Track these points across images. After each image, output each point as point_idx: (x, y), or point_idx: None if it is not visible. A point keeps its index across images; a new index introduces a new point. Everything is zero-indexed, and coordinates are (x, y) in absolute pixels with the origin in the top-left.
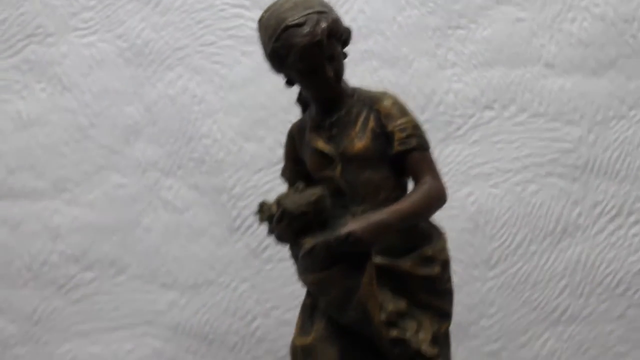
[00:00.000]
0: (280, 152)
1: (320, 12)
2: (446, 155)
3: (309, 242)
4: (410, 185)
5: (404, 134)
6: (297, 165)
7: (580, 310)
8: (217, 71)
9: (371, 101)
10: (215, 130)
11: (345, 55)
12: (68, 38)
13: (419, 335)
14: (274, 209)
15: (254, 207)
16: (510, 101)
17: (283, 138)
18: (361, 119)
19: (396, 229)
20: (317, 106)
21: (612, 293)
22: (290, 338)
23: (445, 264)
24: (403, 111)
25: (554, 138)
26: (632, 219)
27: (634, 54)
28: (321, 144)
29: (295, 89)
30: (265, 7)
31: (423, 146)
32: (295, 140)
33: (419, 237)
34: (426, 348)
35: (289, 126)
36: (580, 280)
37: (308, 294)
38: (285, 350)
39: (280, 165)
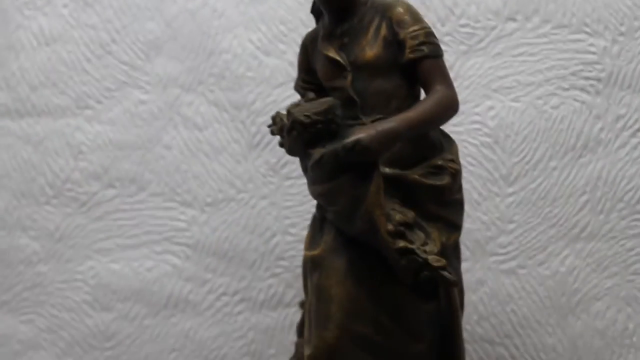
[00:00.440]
0: None
1: None
2: (467, 69)
3: (318, 152)
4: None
5: (415, 42)
6: (309, 76)
7: (601, 227)
8: None
9: (384, 9)
10: (235, 45)
11: None
12: None
13: (427, 246)
14: (285, 119)
15: None
16: (534, 12)
17: None
18: (373, 27)
19: (405, 137)
20: (330, 15)
21: (633, 209)
22: None
23: (456, 174)
24: (416, 18)
25: (577, 50)
26: None
27: None
28: (332, 53)
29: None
30: None
31: (435, 54)
32: (308, 50)
33: (429, 147)
34: (433, 259)
35: None
36: (601, 196)
37: (318, 207)
38: None
39: None
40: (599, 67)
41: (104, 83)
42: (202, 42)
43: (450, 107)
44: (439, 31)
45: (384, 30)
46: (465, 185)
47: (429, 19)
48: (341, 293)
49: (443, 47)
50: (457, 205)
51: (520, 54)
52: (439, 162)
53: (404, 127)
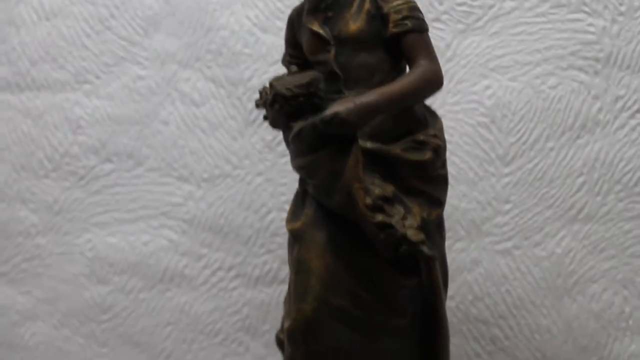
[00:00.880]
0: None
1: None
2: (464, 47)
3: (298, 125)
4: None
5: (399, 16)
6: (296, 51)
7: (598, 209)
8: None
9: None
10: (232, 22)
11: None
12: None
13: (407, 220)
14: (268, 92)
15: None
16: None
17: None
18: (357, 1)
19: (385, 111)
20: None
21: (630, 191)
22: None
23: (438, 150)
24: None
25: (576, 29)
26: None
27: None
28: (316, 27)
29: None
30: None
31: (419, 28)
32: (294, 24)
33: (413, 122)
34: (412, 233)
35: None
36: (598, 177)
37: (300, 180)
38: None
39: None
40: (597, 47)
41: (102, 58)
42: (200, 19)
43: (433, 81)
44: (436, 9)
45: (367, 4)
46: (461, 165)
47: None
48: (320, 266)
49: (440, 25)
50: (440, 181)
51: (518, 33)
52: (421, 138)
53: (383, 101)
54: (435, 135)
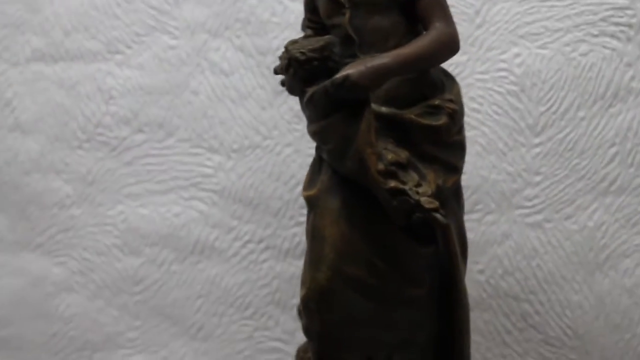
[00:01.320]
0: None
1: None
2: (494, 14)
3: (311, 90)
4: None
5: None
6: (314, 16)
7: (631, 180)
8: None
9: None
10: None
11: None
12: None
13: (420, 187)
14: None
15: None
16: None
17: None
18: None
19: (398, 73)
20: None
21: None
22: None
23: (453, 115)
24: None
25: None
26: None
27: None
28: None
29: None
30: None
31: None
32: None
33: (428, 86)
34: (426, 201)
35: None
36: (631, 148)
37: (316, 147)
38: None
39: None
40: (630, 12)
41: (133, 28)
42: None
43: (448, 44)
44: None
45: None
46: (490, 135)
47: None
48: (334, 234)
49: None
50: (457, 147)
51: None
52: (437, 102)
53: (396, 64)
54: (451, 100)
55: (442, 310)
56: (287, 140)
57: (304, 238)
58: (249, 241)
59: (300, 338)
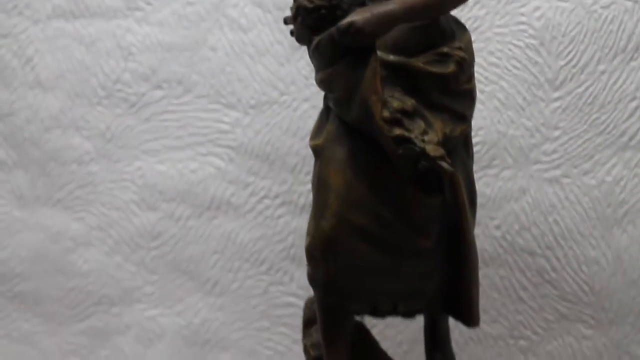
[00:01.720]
0: None
1: None
2: None
3: (318, 38)
4: None
5: None
6: None
7: None
8: None
9: None
10: None
11: None
12: None
13: (427, 135)
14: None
15: None
16: None
17: None
18: None
19: (404, 20)
20: None
21: None
22: None
23: (462, 63)
24: None
25: None
26: None
27: None
28: None
29: None
30: None
31: None
32: None
33: (438, 34)
34: (431, 149)
35: None
36: None
37: (324, 97)
38: None
39: None
40: None
41: None
42: None
43: None
44: None
45: None
46: (509, 89)
47: None
48: (339, 182)
49: None
50: (466, 96)
51: None
52: (445, 50)
53: (403, 11)
54: (460, 48)
55: (450, 261)
56: (304, 95)
57: None
58: (265, 197)
59: None
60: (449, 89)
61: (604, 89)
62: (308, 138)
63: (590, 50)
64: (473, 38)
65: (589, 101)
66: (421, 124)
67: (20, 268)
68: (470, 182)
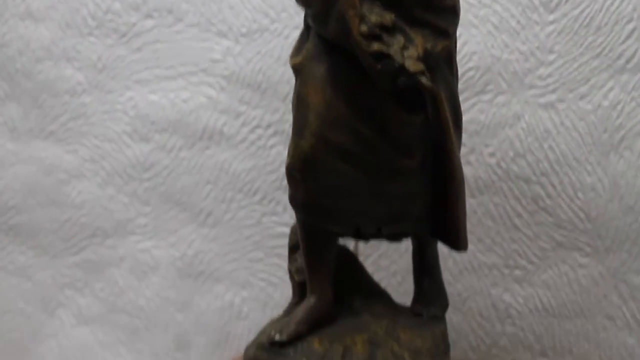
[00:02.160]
0: None
1: None
2: None
3: None
4: None
5: None
6: None
7: None
8: None
9: None
10: None
11: None
12: None
13: (407, 50)
14: None
15: None
16: None
17: None
18: None
19: None
20: None
21: None
22: None
23: None
24: None
25: None
26: None
27: None
28: None
29: None
30: None
31: None
32: None
33: None
34: (411, 63)
35: None
36: None
37: (304, 15)
38: None
39: None
40: None
41: None
42: None
43: None
44: None
45: None
46: (502, 13)
47: None
48: (319, 100)
49: None
50: (449, 11)
51: None
52: None
53: None
54: None
55: (435, 183)
56: (295, 23)
57: None
58: (257, 126)
59: None
60: (431, 5)
61: (600, 11)
62: None
63: None
64: None
65: (585, 23)
66: (401, 40)
67: (14, 201)
68: (454, 100)
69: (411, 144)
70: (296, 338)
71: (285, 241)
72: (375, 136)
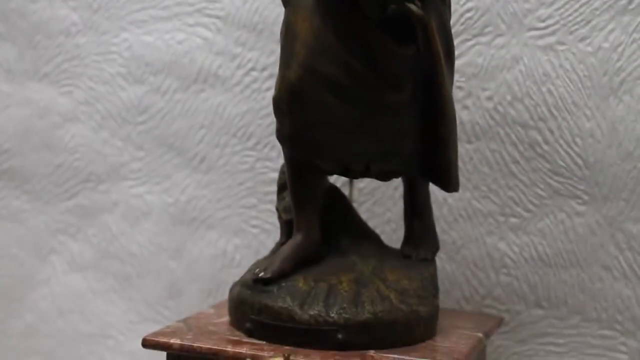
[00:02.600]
0: None
1: None
2: None
3: None
4: None
5: None
6: None
7: None
8: None
9: None
10: None
11: None
12: None
13: None
14: None
15: None
16: None
17: None
18: None
19: None
20: None
21: None
22: None
23: None
24: None
25: None
26: None
27: None
28: None
29: None
30: None
31: None
32: None
33: None
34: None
35: None
36: None
37: None
38: None
39: None
40: None
41: None
42: None
43: None
44: None
45: None
46: None
47: None
48: (307, 30)
49: None
50: None
51: None
52: None
53: None
54: None
55: (426, 119)
56: None
57: None
58: (252, 69)
59: None
60: None
61: None
62: None
63: None
64: None
65: None
66: None
67: (8, 144)
68: (446, 32)
69: (401, 77)
70: (281, 276)
71: None
72: (365, 68)
